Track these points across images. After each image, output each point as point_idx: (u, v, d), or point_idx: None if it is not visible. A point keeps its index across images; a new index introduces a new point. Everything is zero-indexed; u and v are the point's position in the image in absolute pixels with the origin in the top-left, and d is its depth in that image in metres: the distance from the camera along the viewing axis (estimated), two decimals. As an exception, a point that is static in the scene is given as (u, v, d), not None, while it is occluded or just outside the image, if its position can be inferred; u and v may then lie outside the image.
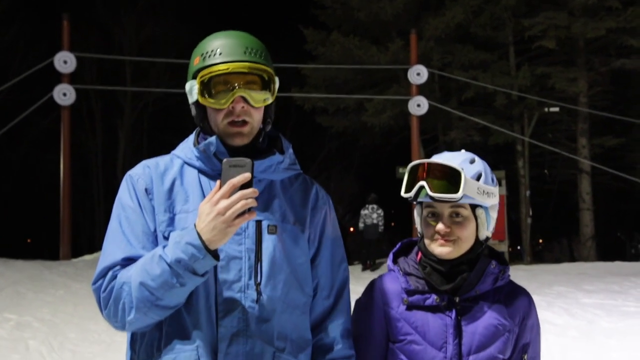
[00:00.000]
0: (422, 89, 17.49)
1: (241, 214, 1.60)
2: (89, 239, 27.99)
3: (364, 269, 14.81)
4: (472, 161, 1.98)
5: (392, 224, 39.66)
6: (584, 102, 21.64)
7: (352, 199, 29.82)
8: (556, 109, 20.71)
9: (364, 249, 15.43)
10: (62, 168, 14.93)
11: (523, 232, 21.59)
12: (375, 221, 15.18)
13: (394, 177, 17.50)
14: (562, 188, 25.95)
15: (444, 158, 1.98)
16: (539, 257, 29.40)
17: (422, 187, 1.92)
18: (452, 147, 21.59)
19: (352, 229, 15.87)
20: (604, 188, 25.37)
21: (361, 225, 15.33)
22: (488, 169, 1.99)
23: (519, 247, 25.74)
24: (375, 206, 15.33)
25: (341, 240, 2.01)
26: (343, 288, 1.96)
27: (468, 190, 1.88)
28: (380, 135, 23.59)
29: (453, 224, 1.94)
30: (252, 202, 1.61)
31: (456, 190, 1.87)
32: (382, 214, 15.36)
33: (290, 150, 1.93)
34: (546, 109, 20.91)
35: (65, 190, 14.80)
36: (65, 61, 14.75)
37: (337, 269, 1.96)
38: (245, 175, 1.61)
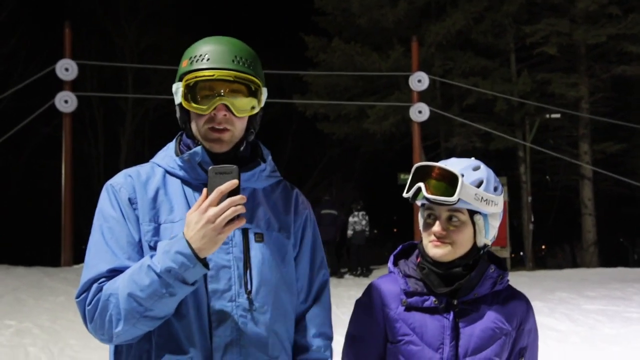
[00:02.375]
0: (424, 96, 17.50)
1: (230, 221, 1.59)
2: (90, 246, 27.93)
3: (353, 274, 14.86)
4: (476, 168, 1.99)
5: (395, 230, 39.64)
6: (586, 108, 21.64)
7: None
8: (557, 115, 20.69)
9: (354, 255, 15.49)
10: (63, 175, 14.93)
11: (525, 238, 21.54)
12: (364, 227, 15.31)
13: (396, 184, 17.49)
14: (564, 194, 25.92)
15: (449, 163, 2.00)
16: (542, 263, 29.34)
17: (419, 188, 1.93)
18: (454, 154, 21.60)
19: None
20: (606, 194, 25.34)
21: (350, 232, 15.41)
22: (492, 177, 1.99)
23: (521, 253, 25.69)
24: (363, 212, 15.45)
25: (321, 245, 2.01)
26: (321, 291, 1.96)
27: (464, 195, 1.89)
28: (382, 142, 23.60)
29: (449, 227, 1.95)
30: (241, 209, 1.60)
31: (452, 194, 1.88)
32: (368, 219, 15.52)
33: (270, 158, 1.92)
34: (547, 115, 20.90)
35: (66, 196, 14.80)
36: (66, 69, 14.78)
37: (317, 273, 1.97)
38: (233, 182, 1.60)
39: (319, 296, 1.96)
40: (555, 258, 34.43)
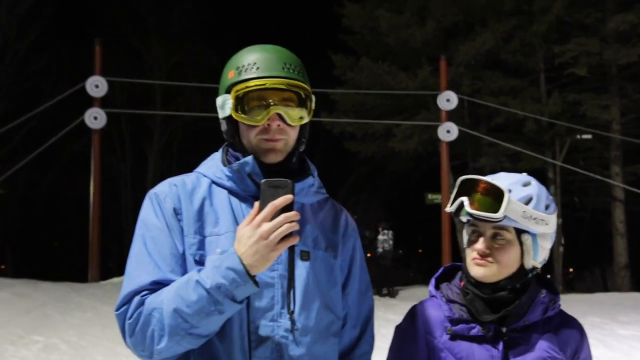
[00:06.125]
0: (452, 115, 17.38)
1: (284, 238, 1.51)
2: (117, 262, 28.11)
3: (379, 295, 14.74)
4: (527, 184, 1.88)
5: (420, 250, 39.32)
6: (617, 130, 21.32)
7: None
8: (589, 136, 20.41)
9: (380, 276, 15.37)
10: (91, 191, 15.03)
11: (555, 260, 21.20)
12: (391, 247, 15.30)
13: (423, 204, 17.33)
14: (594, 216, 25.53)
15: (497, 177, 1.89)
16: (570, 286, 28.84)
17: (462, 203, 1.83)
18: (482, 174, 21.27)
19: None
20: (638, 216, 24.91)
21: (380, 250, 15.33)
22: (544, 194, 1.88)
23: (548, 276, 25.27)
24: (391, 232, 15.44)
25: (366, 268, 1.94)
26: (369, 317, 1.91)
27: (510, 212, 1.77)
28: (409, 161, 23.48)
29: (493, 246, 1.84)
30: (295, 226, 1.52)
31: (496, 210, 1.77)
32: (393, 239, 15.54)
33: (316, 173, 1.84)
34: (578, 136, 20.62)
35: (94, 212, 14.88)
36: (96, 85, 14.94)
37: (364, 297, 1.90)
38: (288, 197, 1.52)
39: (367, 321, 1.90)
40: (584, 282, 33.85)
